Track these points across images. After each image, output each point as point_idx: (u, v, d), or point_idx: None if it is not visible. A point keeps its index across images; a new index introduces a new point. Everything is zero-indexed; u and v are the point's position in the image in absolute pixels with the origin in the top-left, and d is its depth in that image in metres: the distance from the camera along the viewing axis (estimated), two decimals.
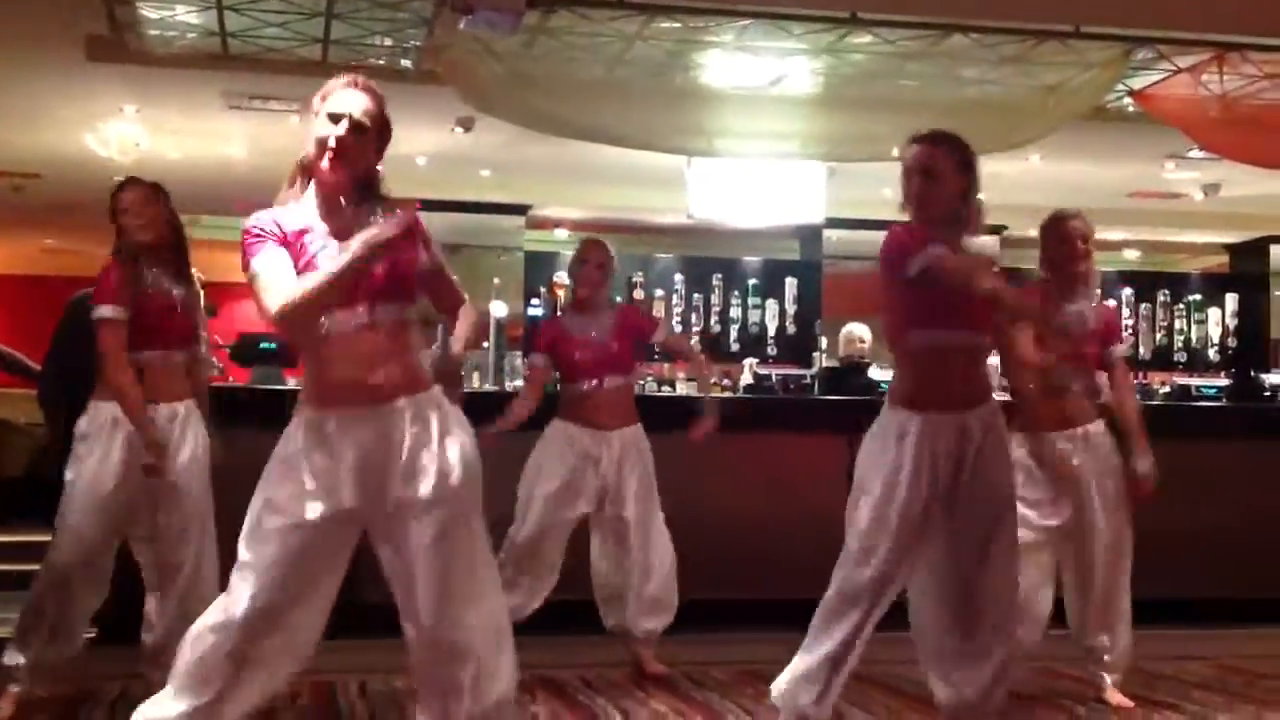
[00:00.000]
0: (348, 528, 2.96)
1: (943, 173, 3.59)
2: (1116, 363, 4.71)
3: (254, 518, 2.92)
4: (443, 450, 2.90)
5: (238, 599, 2.88)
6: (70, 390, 5.30)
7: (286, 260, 2.87)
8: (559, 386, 5.14)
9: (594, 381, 4.99)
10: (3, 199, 11.70)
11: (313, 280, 2.82)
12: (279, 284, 2.83)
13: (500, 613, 2.99)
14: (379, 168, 3.02)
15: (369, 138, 2.97)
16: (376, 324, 2.90)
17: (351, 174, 2.96)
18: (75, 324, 5.51)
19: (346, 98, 2.96)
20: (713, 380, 5.04)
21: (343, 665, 4.62)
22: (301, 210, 2.97)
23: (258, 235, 2.89)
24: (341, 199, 2.97)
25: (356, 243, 2.80)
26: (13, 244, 14.28)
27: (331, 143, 2.92)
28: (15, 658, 4.28)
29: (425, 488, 2.87)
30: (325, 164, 2.93)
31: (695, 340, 10.41)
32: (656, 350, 5.57)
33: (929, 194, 3.59)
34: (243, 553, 2.91)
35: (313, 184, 2.99)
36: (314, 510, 2.88)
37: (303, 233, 2.93)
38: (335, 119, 2.93)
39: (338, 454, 2.89)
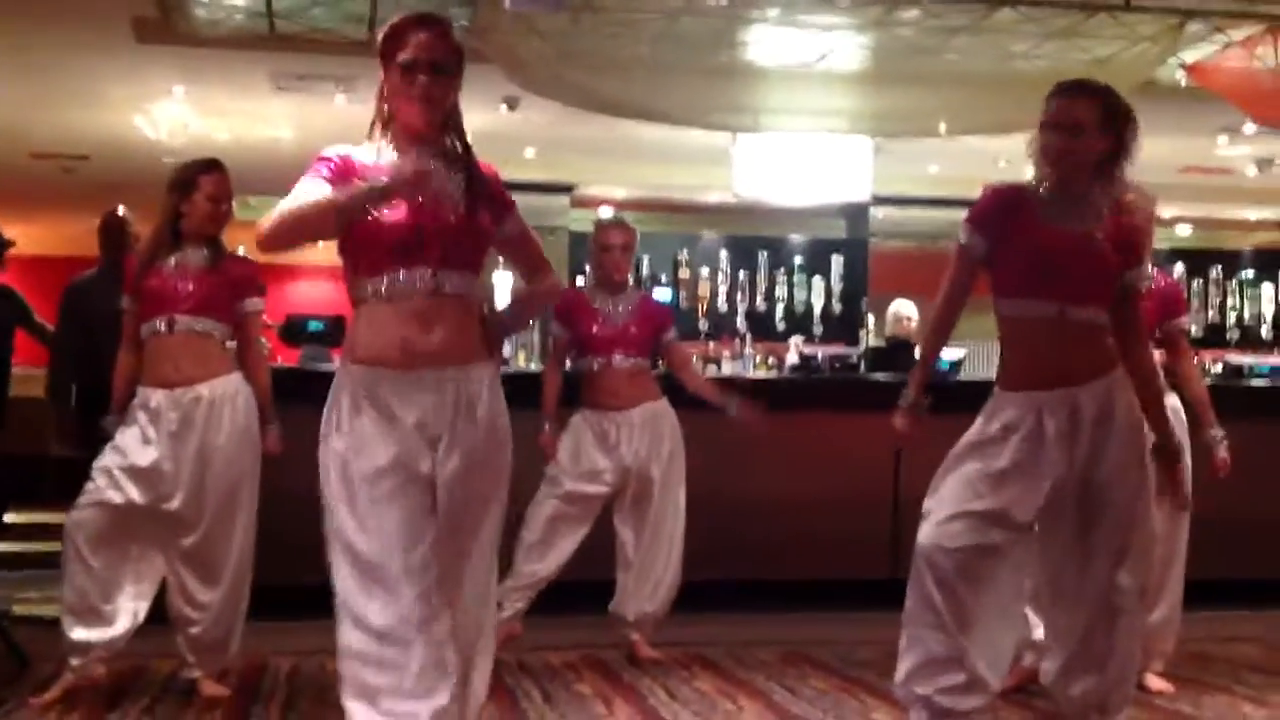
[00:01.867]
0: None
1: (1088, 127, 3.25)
2: None
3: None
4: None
5: None
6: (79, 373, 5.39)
7: (321, 189, 2.79)
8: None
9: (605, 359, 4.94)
10: (53, 180, 11.84)
11: (299, 203, 2.76)
12: (283, 204, 2.78)
13: None
14: (458, 103, 2.94)
15: (454, 75, 2.90)
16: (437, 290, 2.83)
17: (438, 117, 2.89)
18: (75, 308, 5.57)
19: (422, 39, 2.87)
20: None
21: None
22: (369, 151, 2.91)
23: (317, 165, 2.86)
24: (420, 142, 2.88)
25: (367, 185, 2.74)
26: (63, 225, 14.39)
27: (417, 91, 2.84)
28: None
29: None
30: (414, 114, 2.87)
31: (741, 322, 10.38)
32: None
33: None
34: None
35: (390, 130, 2.91)
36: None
37: (363, 171, 2.86)
38: (414, 66, 2.85)
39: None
